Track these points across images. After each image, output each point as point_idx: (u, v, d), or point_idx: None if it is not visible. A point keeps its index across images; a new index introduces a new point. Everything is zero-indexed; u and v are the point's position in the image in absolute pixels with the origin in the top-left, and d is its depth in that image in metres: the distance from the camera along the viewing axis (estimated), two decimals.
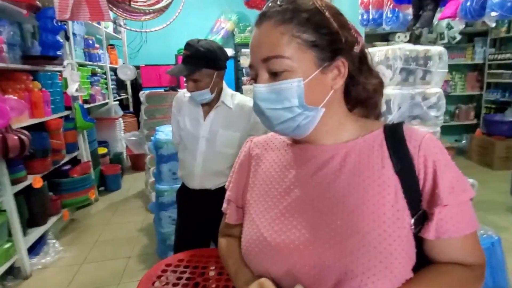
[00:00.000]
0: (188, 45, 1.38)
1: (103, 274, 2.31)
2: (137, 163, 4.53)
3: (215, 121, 1.47)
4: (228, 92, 1.50)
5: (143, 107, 3.26)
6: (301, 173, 0.66)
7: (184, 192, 1.64)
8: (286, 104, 0.59)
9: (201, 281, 1.20)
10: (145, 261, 2.51)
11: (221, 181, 1.53)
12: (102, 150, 3.91)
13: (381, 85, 0.69)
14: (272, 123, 0.62)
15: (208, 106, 1.49)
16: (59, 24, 2.54)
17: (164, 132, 2.38)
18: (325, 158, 0.64)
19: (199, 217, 1.59)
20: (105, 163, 3.95)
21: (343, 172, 0.62)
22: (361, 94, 0.67)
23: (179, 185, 1.73)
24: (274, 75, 0.59)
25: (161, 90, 3.52)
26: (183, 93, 1.58)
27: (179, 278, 1.20)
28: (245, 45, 4.86)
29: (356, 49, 0.62)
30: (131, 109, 5.44)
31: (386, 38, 4.60)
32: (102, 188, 3.80)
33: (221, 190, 1.51)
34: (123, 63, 4.81)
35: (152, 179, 3.14)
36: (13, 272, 2.21)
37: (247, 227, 0.70)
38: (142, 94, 3.26)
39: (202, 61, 1.35)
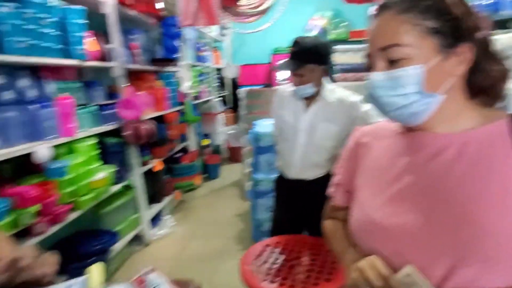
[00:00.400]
0: (295, 42, 1.47)
1: (207, 250, 2.62)
2: (235, 155, 4.91)
3: (315, 115, 1.53)
4: (328, 86, 1.54)
5: (242, 103, 3.54)
6: (413, 161, 0.66)
7: (281, 182, 1.75)
8: (403, 91, 0.60)
9: (296, 264, 1.31)
10: (242, 243, 2.75)
11: (318, 172, 1.60)
12: (205, 142, 4.36)
13: (506, 72, 0.64)
14: (387, 110, 0.64)
15: (309, 100, 1.55)
16: (178, 30, 2.95)
17: (263, 126, 2.56)
18: (440, 147, 0.63)
19: (294, 206, 1.68)
20: (208, 154, 4.40)
21: (461, 162, 0.60)
22: (484, 82, 0.63)
23: (275, 175, 1.85)
24: (392, 63, 0.60)
25: (259, 87, 3.75)
26: (285, 88, 1.68)
27: (276, 259, 1.33)
28: (339, 42, 4.81)
29: (480, 34, 0.60)
30: (230, 105, 5.90)
31: (504, 25, 4.02)
32: (205, 175, 4.24)
33: (317, 181, 1.60)
34: (227, 63, 5.23)
35: (248, 169, 3.40)
36: (138, 239, 2.68)
37: (356, 210, 0.74)
38: (242, 91, 3.55)
39: (307, 57, 1.43)
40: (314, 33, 5.56)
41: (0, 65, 1.52)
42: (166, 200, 3.08)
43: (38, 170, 1.70)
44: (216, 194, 3.82)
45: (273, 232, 1.75)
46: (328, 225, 0.92)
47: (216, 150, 4.70)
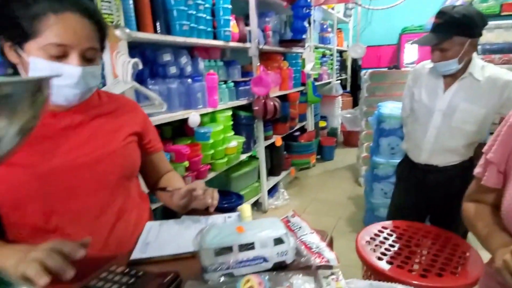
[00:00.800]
0: (440, 13, 1.33)
1: (318, 226, 2.70)
2: (349, 139, 4.85)
3: (457, 94, 1.40)
4: (478, 62, 1.38)
5: (365, 85, 3.45)
6: None
7: (407, 165, 1.67)
8: None
9: (415, 251, 1.28)
10: (352, 225, 2.76)
11: (451, 159, 1.48)
12: (322, 124, 4.42)
13: None
14: None
15: (451, 78, 1.41)
16: (306, 11, 3.03)
17: (388, 107, 2.47)
18: None
19: (420, 192, 1.60)
20: (323, 135, 4.46)
21: None
22: None
23: (397, 160, 1.78)
24: None
25: (384, 69, 3.58)
26: (423, 65, 1.55)
27: (392, 246, 1.32)
28: (487, 17, 4.12)
29: None
30: (348, 88, 5.78)
31: None
32: (318, 156, 4.33)
33: (449, 169, 1.50)
34: (354, 44, 5.09)
35: (364, 154, 3.33)
36: (257, 205, 2.96)
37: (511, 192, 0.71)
38: (365, 73, 3.44)
39: (455, 29, 1.29)
40: None
41: (169, 45, 1.87)
42: (283, 174, 3.29)
43: (188, 133, 2.06)
44: (329, 175, 3.87)
45: (391, 217, 1.71)
46: (469, 207, 0.88)
47: (332, 133, 4.72)
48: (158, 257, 0.70)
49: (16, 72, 1.18)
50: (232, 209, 2.34)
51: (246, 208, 0.87)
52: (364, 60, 5.54)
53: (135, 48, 1.69)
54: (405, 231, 1.43)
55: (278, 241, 0.61)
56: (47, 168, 0.73)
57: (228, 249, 0.60)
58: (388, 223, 1.52)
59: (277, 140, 3.02)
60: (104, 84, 1.38)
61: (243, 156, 2.56)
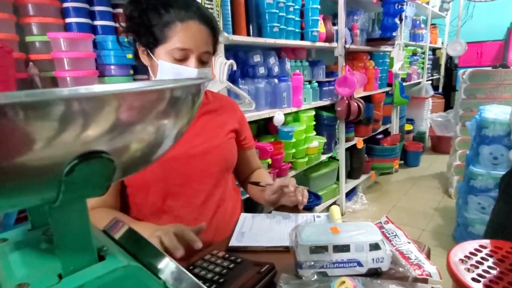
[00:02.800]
0: None
1: None
2: (438, 145, 4.43)
3: None
4: None
5: (462, 86, 3.12)
6: None
7: None
8: None
9: None
10: (439, 239, 2.54)
11: None
12: (408, 127, 4.13)
13: None
14: None
15: None
16: (399, 8, 2.86)
17: (492, 111, 2.21)
18: None
19: None
20: (408, 140, 4.16)
21: None
22: None
23: (500, 171, 1.60)
24: None
25: (488, 68, 3.19)
26: None
27: (491, 268, 1.18)
28: None
29: None
30: (440, 90, 5.28)
31: None
32: (401, 162, 4.06)
33: None
34: (454, 40, 4.65)
35: (457, 162, 3.02)
36: None
37: None
38: (464, 72, 3.11)
39: None
40: None
41: (259, 46, 1.95)
42: (362, 178, 3.18)
43: (272, 131, 2.13)
44: (413, 183, 3.61)
45: (490, 236, 1.54)
46: None
47: (419, 137, 4.37)
48: (253, 247, 0.76)
49: (135, 73, 1.36)
50: (310, 208, 2.35)
51: (336, 210, 0.88)
52: (461, 58, 5.00)
53: (229, 50, 1.81)
54: (509, 254, 1.27)
55: (374, 246, 0.62)
56: (168, 156, 0.84)
57: (323, 248, 0.62)
58: (487, 242, 1.37)
59: (359, 142, 2.93)
60: None
61: (323, 157, 2.54)
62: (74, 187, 0.23)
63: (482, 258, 1.26)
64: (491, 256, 1.27)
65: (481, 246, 1.34)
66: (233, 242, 0.78)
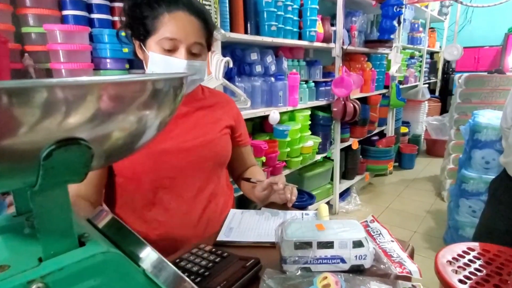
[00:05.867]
0: None
1: None
2: (433, 148, 4.47)
3: None
4: None
5: (458, 90, 3.14)
6: None
7: (504, 183, 1.51)
8: None
9: (508, 283, 1.14)
10: (430, 242, 2.57)
11: None
12: (403, 129, 4.15)
13: None
14: None
15: None
16: (397, 10, 2.88)
17: (485, 116, 2.23)
18: None
19: None
20: (404, 142, 4.19)
21: None
22: None
23: (491, 176, 1.61)
24: None
25: (483, 73, 3.21)
26: None
27: (478, 270, 1.20)
28: None
29: None
30: (437, 93, 5.32)
31: None
32: (396, 164, 4.08)
33: None
34: (451, 45, 4.68)
35: (451, 166, 3.05)
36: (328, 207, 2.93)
37: None
38: (460, 77, 3.13)
39: None
40: None
41: (257, 44, 1.96)
42: (356, 179, 3.20)
43: (267, 130, 2.14)
44: (407, 185, 3.63)
45: (479, 239, 1.55)
46: None
47: (414, 140, 4.40)
48: (241, 242, 0.77)
49: (131, 67, 1.36)
50: (303, 207, 2.36)
51: (324, 208, 0.90)
52: (459, 63, 5.03)
53: (226, 48, 1.82)
54: (496, 257, 1.29)
55: (358, 244, 0.63)
56: (160, 149, 0.86)
57: (307, 244, 0.63)
58: (476, 244, 1.38)
59: (354, 143, 2.95)
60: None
61: (318, 157, 2.56)
62: (53, 172, 0.23)
63: (470, 260, 1.28)
64: (478, 258, 1.29)
65: (469, 248, 1.35)
66: (221, 237, 0.79)
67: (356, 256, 0.63)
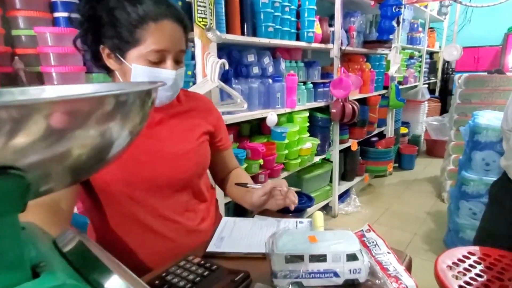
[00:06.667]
0: None
1: (390, 239, 2.53)
2: (433, 149, 4.44)
3: None
4: None
5: (457, 90, 3.11)
6: None
7: (504, 186, 1.49)
8: None
9: None
10: (430, 244, 2.54)
11: None
12: (403, 130, 4.12)
13: None
14: None
15: None
16: (396, 10, 2.85)
17: (485, 117, 2.20)
18: None
19: None
20: (403, 143, 4.16)
21: None
22: None
23: (492, 178, 1.58)
24: None
25: (483, 74, 3.18)
26: None
27: (479, 276, 1.17)
28: None
29: None
30: (436, 93, 5.29)
31: None
32: (396, 165, 4.05)
33: None
34: (450, 45, 4.65)
35: (451, 167, 3.02)
36: (327, 209, 2.90)
37: None
38: (459, 77, 3.10)
39: None
40: None
41: (254, 46, 1.93)
42: (356, 180, 3.17)
43: (265, 132, 2.11)
44: (407, 186, 3.61)
45: (480, 243, 1.52)
46: None
47: (414, 140, 4.37)
48: (231, 253, 0.74)
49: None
50: (302, 210, 2.34)
51: (319, 216, 0.86)
52: (458, 63, 5.01)
53: (223, 49, 1.79)
54: (497, 261, 1.26)
55: (352, 257, 0.60)
56: (131, 159, 0.80)
57: (299, 258, 0.61)
58: (476, 249, 1.36)
59: (353, 144, 2.92)
60: (194, 83, 1.49)
61: (317, 158, 2.53)
62: None
63: (470, 265, 1.25)
64: (479, 263, 1.26)
65: (469, 253, 1.33)
66: (211, 248, 0.76)
67: (350, 270, 0.60)
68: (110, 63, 0.79)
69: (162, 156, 0.84)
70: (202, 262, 0.67)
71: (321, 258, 0.60)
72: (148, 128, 0.84)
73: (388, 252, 0.67)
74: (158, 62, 0.77)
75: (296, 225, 0.87)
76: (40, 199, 0.71)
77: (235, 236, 0.81)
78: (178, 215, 0.87)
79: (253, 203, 0.94)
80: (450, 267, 1.22)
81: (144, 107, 0.30)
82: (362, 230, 0.75)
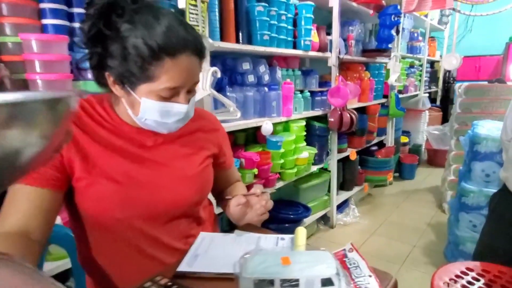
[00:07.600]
0: None
1: (388, 251, 2.51)
2: (434, 159, 4.39)
3: None
4: None
5: (458, 100, 3.08)
6: None
7: (504, 198, 1.44)
8: None
9: None
10: (430, 256, 2.48)
11: None
12: (404, 139, 4.09)
13: None
14: None
15: None
16: (395, 19, 2.83)
17: (485, 127, 2.16)
18: None
19: None
20: (404, 152, 4.12)
21: None
22: None
23: (492, 189, 1.54)
24: None
25: (484, 83, 3.16)
26: None
27: None
28: None
29: None
30: (437, 102, 5.26)
31: None
32: (396, 174, 4.00)
33: None
34: (450, 54, 4.64)
35: (451, 177, 2.97)
36: (324, 219, 2.85)
37: None
38: (460, 86, 3.07)
39: None
40: None
41: (249, 54, 1.92)
42: (355, 190, 3.12)
43: (260, 141, 2.08)
44: (407, 196, 3.55)
45: (479, 257, 1.49)
46: None
47: (415, 150, 4.33)
48: (203, 273, 0.69)
49: None
50: (298, 220, 2.29)
51: (301, 233, 0.78)
52: (459, 72, 4.99)
53: (217, 57, 1.77)
54: (497, 278, 1.21)
55: (327, 282, 0.56)
56: (129, 184, 0.75)
57: (269, 282, 0.56)
58: (475, 264, 1.30)
59: (352, 153, 2.88)
60: None
61: (314, 168, 2.49)
62: None
63: (469, 282, 1.20)
64: (478, 280, 1.21)
65: (468, 268, 1.28)
66: (182, 267, 0.70)
67: None
68: (116, 89, 0.73)
69: (162, 181, 0.79)
70: (169, 283, 0.62)
71: (293, 282, 0.55)
72: (148, 150, 0.80)
73: (370, 275, 0.62)
74: (170, 97, 0.72)
75: (277, 242, 0.81)
76: (5, 229, 0.65)
77: (211, 254, 0.75)
78: (177, 241, 0.83)
79: (231, 214, 0.89)
80: (448, 284, 1.17)
81: (56, 112, 0.28)
82: (345, 250, 0.71)
